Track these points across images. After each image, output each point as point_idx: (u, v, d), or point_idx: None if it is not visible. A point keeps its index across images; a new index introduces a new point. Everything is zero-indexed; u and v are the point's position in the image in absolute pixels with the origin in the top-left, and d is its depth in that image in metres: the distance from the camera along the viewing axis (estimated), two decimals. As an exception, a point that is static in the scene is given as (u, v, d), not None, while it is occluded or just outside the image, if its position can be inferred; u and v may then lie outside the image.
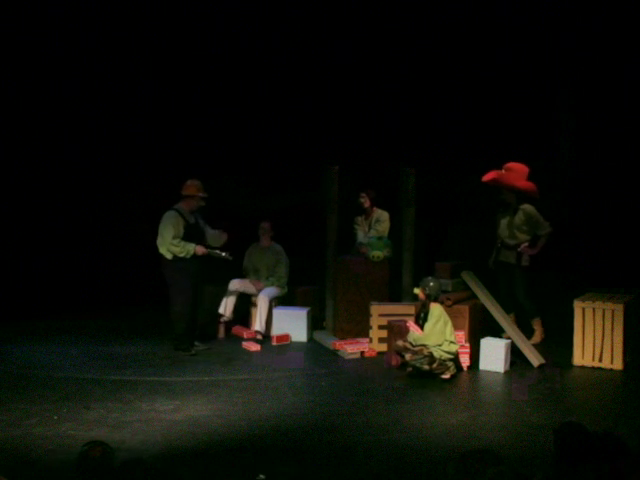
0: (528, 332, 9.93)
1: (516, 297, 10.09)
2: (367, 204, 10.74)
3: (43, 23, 12.27)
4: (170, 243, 9.44)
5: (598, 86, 12.17)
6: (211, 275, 10.23)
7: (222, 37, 12.87)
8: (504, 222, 10.08)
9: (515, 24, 12.04)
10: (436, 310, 8.81)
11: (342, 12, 12.60)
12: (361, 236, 10.69)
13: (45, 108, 12.63)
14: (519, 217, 9.97)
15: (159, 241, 9.54)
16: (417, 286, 9.15)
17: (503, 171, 9.88)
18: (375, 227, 10.65)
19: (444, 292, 9.46)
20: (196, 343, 9.78)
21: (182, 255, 9.46)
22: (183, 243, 9.45)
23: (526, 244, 10.02)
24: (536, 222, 9.98)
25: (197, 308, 9.82)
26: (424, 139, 12.42)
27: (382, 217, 10.67)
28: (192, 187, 9.60)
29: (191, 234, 9.55)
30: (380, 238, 10.41)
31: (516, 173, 9.88)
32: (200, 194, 9.59)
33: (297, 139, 12.88)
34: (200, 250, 9.51)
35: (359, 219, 10.86)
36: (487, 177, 9.91)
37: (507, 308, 9.93)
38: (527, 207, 9.98)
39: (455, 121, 12.57)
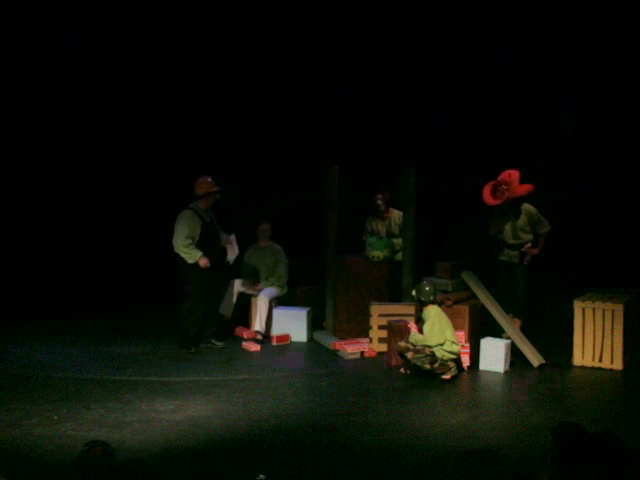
0: (529, 332, 9.93)
1: (515, 293, 10.07)
2: (383, 206, 10.77)
3: (42, 22, 12.27)
4: (181, 244, 9.50)
5: (598, 86, 12.17)
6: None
7: (222, 37, 12.87)
8: (506, 224, 10.05)
9: (515, 24, 12.04)
10: (432, 311, 8.82)
11: (342, 12, 12.60)
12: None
13: (45, 108, 12.63)
14: (522, 219, 9.98)
15: (173, 239, 9.60)
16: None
17: (504, 187, 9.84)
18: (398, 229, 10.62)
19: (444, 292, 9.46)
20: (213, 341, 9.84)
21: (186, 257, 9.54)
22: (192, 248, 9.52)
23: (529, 244, 10.03)
24: (537, 220, 10.01)
25: (213, 306, 9.88)
26: (424, 139, 12.42)
27: (401, 218, 10.56)
28: (205, 184, 9.67)
29: (207, 233, 9.64)
30: (380, 238, 10.41)
31: (514, 181, 9.89)
32: (214, 189, 9.67)
33: (297, 139, 12.88)
34: (203, 262, 9.54)
35: (374, 223, 10.85)
36: (494, 202, 9.91)
37: (508, 308, 9.93)
38: (528, 207, 10.00)
39: (455, 121, 12.57)
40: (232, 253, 9.94)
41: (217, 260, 9.75)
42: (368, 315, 9.76)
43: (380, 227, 10.86)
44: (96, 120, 12.91)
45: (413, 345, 8.74)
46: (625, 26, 11.79)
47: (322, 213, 10.69)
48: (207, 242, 9.65)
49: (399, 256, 10.30)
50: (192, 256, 9.53)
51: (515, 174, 9.88)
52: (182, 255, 9.56)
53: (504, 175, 9.87)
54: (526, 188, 9.90)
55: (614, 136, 12.17)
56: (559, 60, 12.30)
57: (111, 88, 12.84)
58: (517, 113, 12.32)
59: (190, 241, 9.54)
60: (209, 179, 9.71)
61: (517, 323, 9.96)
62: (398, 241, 10.42)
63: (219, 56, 12.94)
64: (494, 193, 9.90)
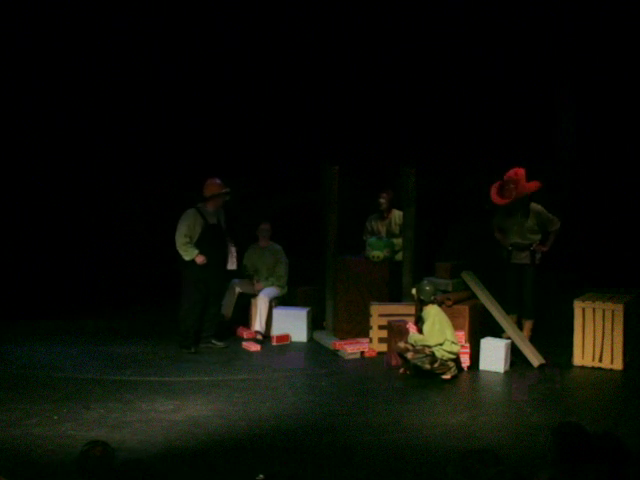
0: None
1: (523, 295, 10.03)
2: (386, 205, 10.76)
3: (42, 22, 12.27)
4: (178, 241, 9.58)
5: (598, 86, 12.17)
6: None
7: (221, 37, 12.87)
8: (515, 226, 9.98)
9: (515, 24, 12.05)
10: (432, 310, 8.83)
11: (342, 12, 12.60)
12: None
13: (46, 108, 12.63)
14: (531, 219, 9.91)
15: (175, 236, 9.67)
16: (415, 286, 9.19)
17: (512, 185, 9.79)
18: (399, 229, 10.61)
19: (444, 292, 9.46)
20: (213, 341, 9.86)
21: (182, 255, 9.58)
22: (189, 246, 9.56)
23: (538, 243, 9.99)
24: (546, 219, 9.96)
25: (213, 306, 9.91)
26: (424, 139, 12.42)
27: (401, 218, 10.49)
28: (214, 187, 9.70)
29: (211, 235, 9.66)
30: (380, 238, 10.41)
31: (521, 179, 9.83)
32: (223, 190, 9.71)
33: (297, 139, 12.88)
34: (199, 259, 9.56)
35: (375, 223, 10.82)
36: (502, 201, 9.84)
37: (511, 309, 9.89)
38: (535, 207, 9.93)
39: (455, 121, 12.57)
40: (230, 264, 9.97)
41: (219, 261, 9.75)
42: (368, 315, 9.75)
43: (380, 227, 10.85)
44: (96, 120, 12.92)
45: (413, 345, 8.73)
46: (625, 26, 11.79)
47: (322, 213, 10.69)
48: (208, 243, 9.64)
49: (399, 256, 10.29)
50: (188, 254, 9.56)
51: (521, 172, 9.84)
52: (179, 252, 9.60)
53: (510, 173, 9.82)
54: (534, 185, 9.87)
55: (614, 136, 12.17)
56: (559, 60, 12.30)
57: (111, 88, 12.85)
58: (517, 113, 12.32)
59: (187, 239, 9.58)
60: (218, 181, 9.73)
61: (528, 324, 9.94)
62: (398, 241, 10.42)
63: (219, 56, 12.94)
64: (501, 192, 9.86)
